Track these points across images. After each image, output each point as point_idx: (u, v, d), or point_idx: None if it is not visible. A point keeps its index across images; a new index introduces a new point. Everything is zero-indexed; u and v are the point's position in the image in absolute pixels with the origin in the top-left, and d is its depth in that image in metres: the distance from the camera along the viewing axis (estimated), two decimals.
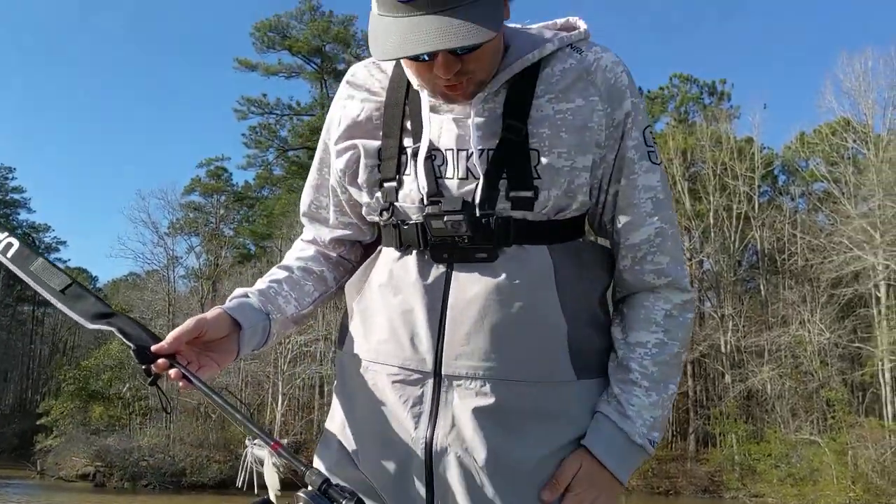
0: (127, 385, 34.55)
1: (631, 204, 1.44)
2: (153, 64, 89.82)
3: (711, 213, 36.27)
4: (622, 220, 1.45)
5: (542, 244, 1.39)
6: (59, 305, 1.43)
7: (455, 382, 1.37)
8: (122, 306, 44.04)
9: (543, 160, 1.37)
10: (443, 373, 1.37)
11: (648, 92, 46.55)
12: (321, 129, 1.61)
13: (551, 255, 1.39)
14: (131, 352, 1.36)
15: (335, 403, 1.58)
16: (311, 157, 1.67)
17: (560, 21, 1.51)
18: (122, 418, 35.87)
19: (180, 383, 1.34)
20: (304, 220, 1.68)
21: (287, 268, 1.60)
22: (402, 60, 1.40)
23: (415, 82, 1.42)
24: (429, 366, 1.38)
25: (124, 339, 1.37)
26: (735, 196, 36.24)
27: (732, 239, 36.04)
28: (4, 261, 1.49)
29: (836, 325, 31.04)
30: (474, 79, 1.34)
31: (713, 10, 76.62)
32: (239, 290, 1.52)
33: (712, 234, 36.26)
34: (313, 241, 1.67)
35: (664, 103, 45.52)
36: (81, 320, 1.41)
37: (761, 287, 36.70)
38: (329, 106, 1.62)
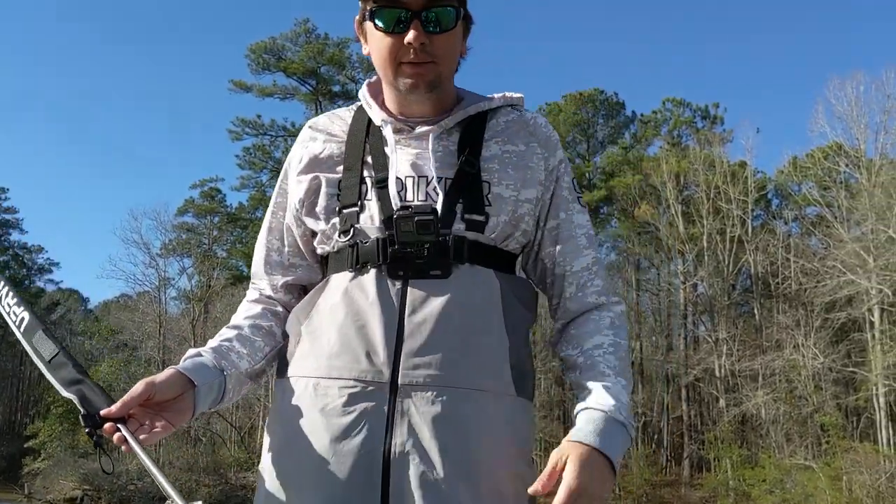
0: None
1: (571, 236, 1.63)
2: (148, 84, 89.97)
3: (705, 237, 36.32)
4: (565, 249, 1.62)
5: (490, 268, 1.53)
6: (47, 375, 1.52)
7: (413, 392, 1.43)
8: (112, 328, 43.85)
9: (494, 190, 1.55)
10: (400, 383, 1.43)
11: (641, 115, 46.81)
12: None
13: (499, 281, 1.54)
14: (80, 417, 1.41)
15: (269, 440, 1.58)
16: None
17: (498, 95, 1.71)
18: (111, 441, 35.48)
19: (123, 447, 1.39)
20: (258, 268, 1.73)
21: (236, 326, 1.65)
22: (374, 44, 1.56)
23: (377, 105, 1.63)
24: (386, 377, 1.44)
25: (79, 405, 1.43)
26: (728, 220, 36.28)
27: (726, 262, 36.02)
28: (18, 335, 1.59)
29: (830, 350, 30.93)
30: (436, 68, 1.52)
31: (706, 35, 77.16)
32: (192, 350, 1.56)
33: (706, 257, 36.30)
34: (258, 300, 1.71)
35: (657, 127, 45.71)
36: (60, 388, 1.49)
37: (755, 311, 36.65)
38: None
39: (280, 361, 1.63)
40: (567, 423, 38.68)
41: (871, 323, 30.05)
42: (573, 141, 46.62)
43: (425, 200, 1.52)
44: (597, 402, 1.45)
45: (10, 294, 1.65)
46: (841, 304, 30.92)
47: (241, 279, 43.03)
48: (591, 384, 1.49)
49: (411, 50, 1.49)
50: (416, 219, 1.45)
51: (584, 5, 78.95)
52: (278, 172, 1.78)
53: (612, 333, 1.57)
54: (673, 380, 38.65)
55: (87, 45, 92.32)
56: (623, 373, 1.52)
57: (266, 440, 1.59)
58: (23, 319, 1.60)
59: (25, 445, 38.11)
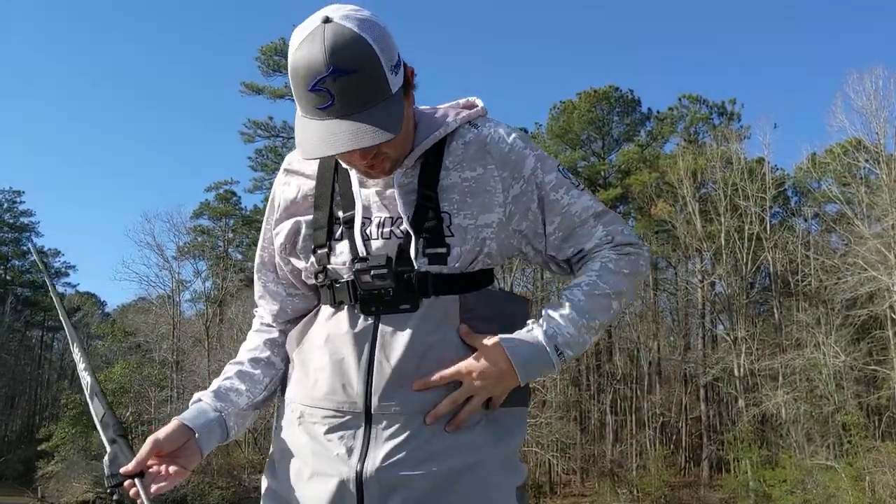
0: (129, 410, 34.25)
1: (575, 225, 1.70)
2: (161, 86, 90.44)
3: (723, 235, 35.92)
4: (575, 238, 1.71)
5: (456, 294, 1.62)
6: (100, 432, 1.71)
7: (383, 420, 1.56)
8: (126, 330, 43.90)
9: (455, 221, 1.61)
10: (372, 412, 1.56)
11: (657, 113, 46.39)
12: None
13: (462, 303, 1.62)
14: (105, 479, 1.62)
15: (271, 453, 1.75)
16: None
17: (462, 101, 1.78)
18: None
19: (137, 500, 1.55)
20: (258, 299, 1.88)
21: (238, 362, 1.81)
22: None
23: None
24: (360, 407, 1.57)
25: (106, 467, 1.63)
26: (746, 217, 35.88)
27: (744, 261, 35.62)
28: (87, 396, 1.82)
29: (852, 348, 30.58)
30: (389, 158, 1.58)
31: (722, 30, 76.60)
32: (195, 395, 1.74)
33: (724, 255, 35.87)
34: (258, 330, 1.87)
35: (673, 124, 45.32)
36: (106, 444, 1.69)
37: (774, 309, 36.25)
38: None
39: (283, 379, 1.80)
40: (583, 424, 38.40)
41: (893, 320, 29.64)
42: (588, 139, 46.33)
43: (389, 238, 1.61)
44: (534, 324, 1.63)
45: (82, 360, 1.90)
46: (862, 301, 30.55)
47: None
48: (545, 311, 1.65)
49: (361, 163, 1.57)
50: (371, 272, 1.58)
51: (597, 2, 78.63)
52: None
53: (595, 275, 1.67)
54: (691, 380, 38.29)
55: (98, 46, 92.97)
56: (585, 310, 1.63)
57: (271, 451, 1.77)
58: (87, 384, 1.82)
59: (39, 448, 38.11)
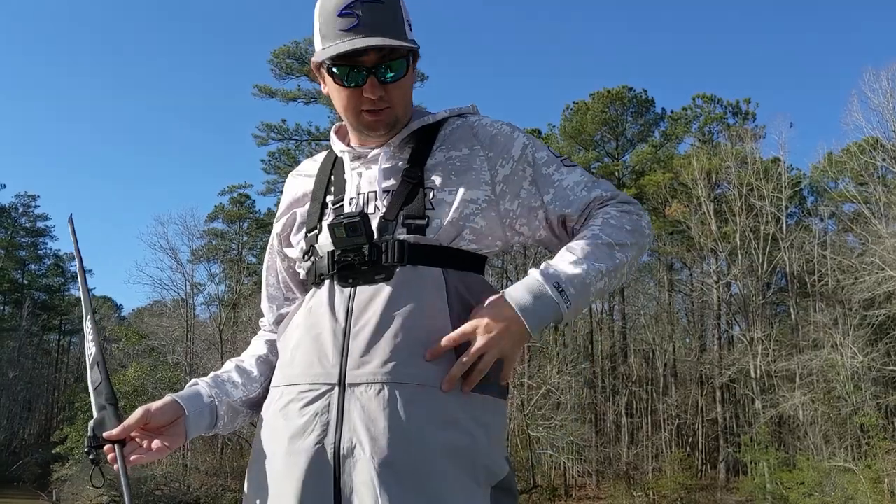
0: None
1: (568, 198, 1.70)
2: (175, 91, 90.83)
3: (738, 235, 35.66)
4: (570, 210, 1.70)
5: (437, 267, 1.61)
6: (91, 399, 1.75)
7: (357, 389, 1.53)
8: (139, 333, 44.06)
9: (437, 195, 1.65)
10: (346, 382, 1.54)
11: (671, 112, 46.14)
12: None
13: (445, 277, 1.61)
14: (86, 438, 1.64)
15: (253, 445, 1.72)
16: None
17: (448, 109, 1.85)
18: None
19: (114, 466, 1.60)
20: (262, 305, 1.95)
21: (238, 359, 1.90)
22: (335, 93, 1.70)
23: (342, 138, 1.81)
24: (334, 378, 1.56)
25: (90, 429, 1.65)
26: (762, 217, 35.58)
27: (760, 261, 35.33)
28: (87, 365, 1.83)
29: (870, 348, 30.28)
30: (392, 111, 1.67)
31: (735, 29, 76.18)
32: (192, 380, 1.80)
33: (739, 256, 35.62)
34: (260, 335, 1.94)
35: (687, 124, 45.07)
36: (94, 411, 1.71)
37: (791, 310, 35.95)
38: None
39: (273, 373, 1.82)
40: (599, 426, 38.24)
41: None
42: (601, 139, 46.16)
43: (373, 212, 1.65)
44: (533, 269, 1.60)
45: (92, 333, 1.89)
46: (880, 301, 30.24)
47: None
48: (551, 260, 1.63)
49: (369, 101, 1.63)
50: (344, 223, 1.59)
51: (610, 2, 78.39)
52: None
53: (597, 228, 1.65)
54: (707, 381, 38.04)
55: (111, 51, 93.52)
56: (587, 256, 1.60)
57: (254, 444, 1.75)
58: (91, 353, 1.85)
59: (53, 451, 38.26)
